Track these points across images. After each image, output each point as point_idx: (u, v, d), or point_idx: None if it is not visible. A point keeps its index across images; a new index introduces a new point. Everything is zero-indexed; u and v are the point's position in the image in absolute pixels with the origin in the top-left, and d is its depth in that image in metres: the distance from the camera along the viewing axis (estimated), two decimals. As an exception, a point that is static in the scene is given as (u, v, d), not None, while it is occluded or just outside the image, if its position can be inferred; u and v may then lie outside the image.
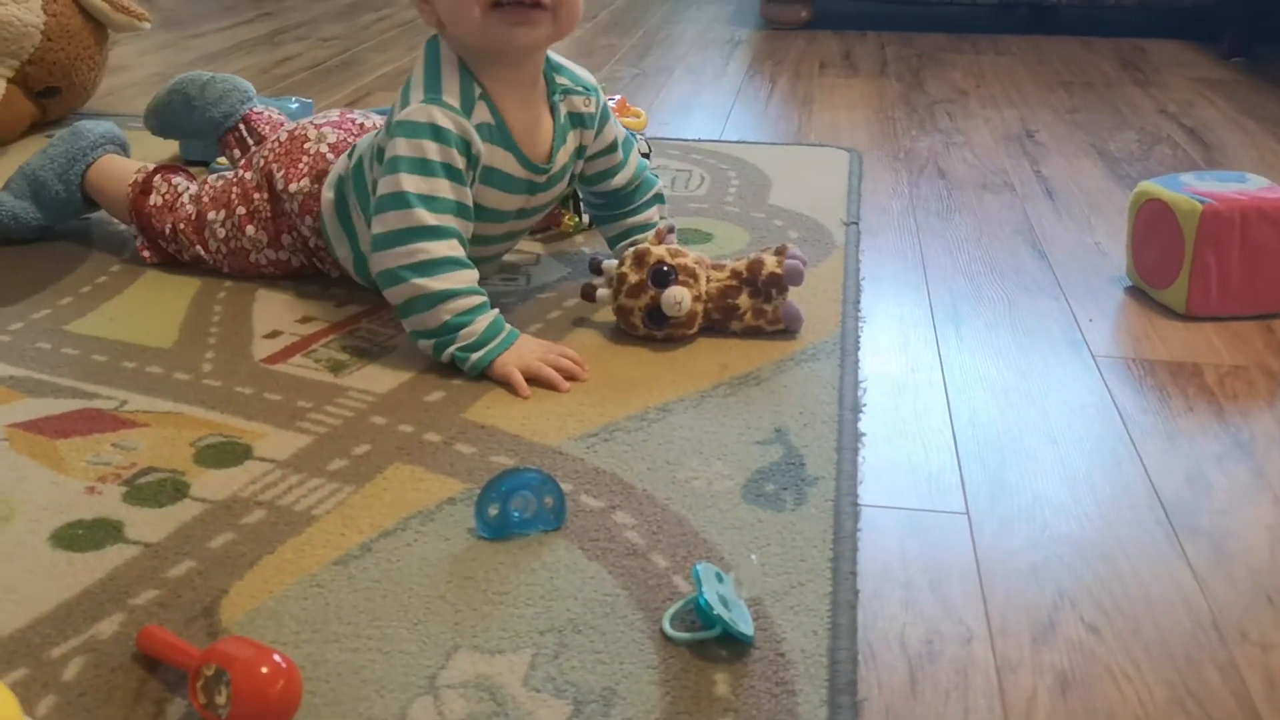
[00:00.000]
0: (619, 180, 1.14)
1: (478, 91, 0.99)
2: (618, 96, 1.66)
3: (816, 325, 1.06)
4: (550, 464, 0.84)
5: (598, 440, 0.88)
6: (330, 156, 1.12)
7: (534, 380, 0.96)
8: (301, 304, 1.12)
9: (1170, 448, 0.89)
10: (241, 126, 1.32)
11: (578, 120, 1.08)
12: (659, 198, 1.18)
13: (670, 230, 1.12)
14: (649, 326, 1.02)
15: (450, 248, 0.96)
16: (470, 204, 0.98)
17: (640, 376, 0.98)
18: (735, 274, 1.03)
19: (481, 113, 0.99)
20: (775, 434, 0.89)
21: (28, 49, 1.61)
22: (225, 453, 0.86)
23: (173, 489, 0.81)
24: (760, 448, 0.87)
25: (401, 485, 0.82)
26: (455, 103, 0.98)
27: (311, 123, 1.17)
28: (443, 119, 0.96)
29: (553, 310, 1.11)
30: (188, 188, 1.19)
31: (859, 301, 1.14)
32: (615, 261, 1.05)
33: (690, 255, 1.03)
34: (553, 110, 1.05)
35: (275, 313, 1.10)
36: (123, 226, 1.26)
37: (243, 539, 0.76)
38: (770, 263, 1.03)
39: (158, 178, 1.20)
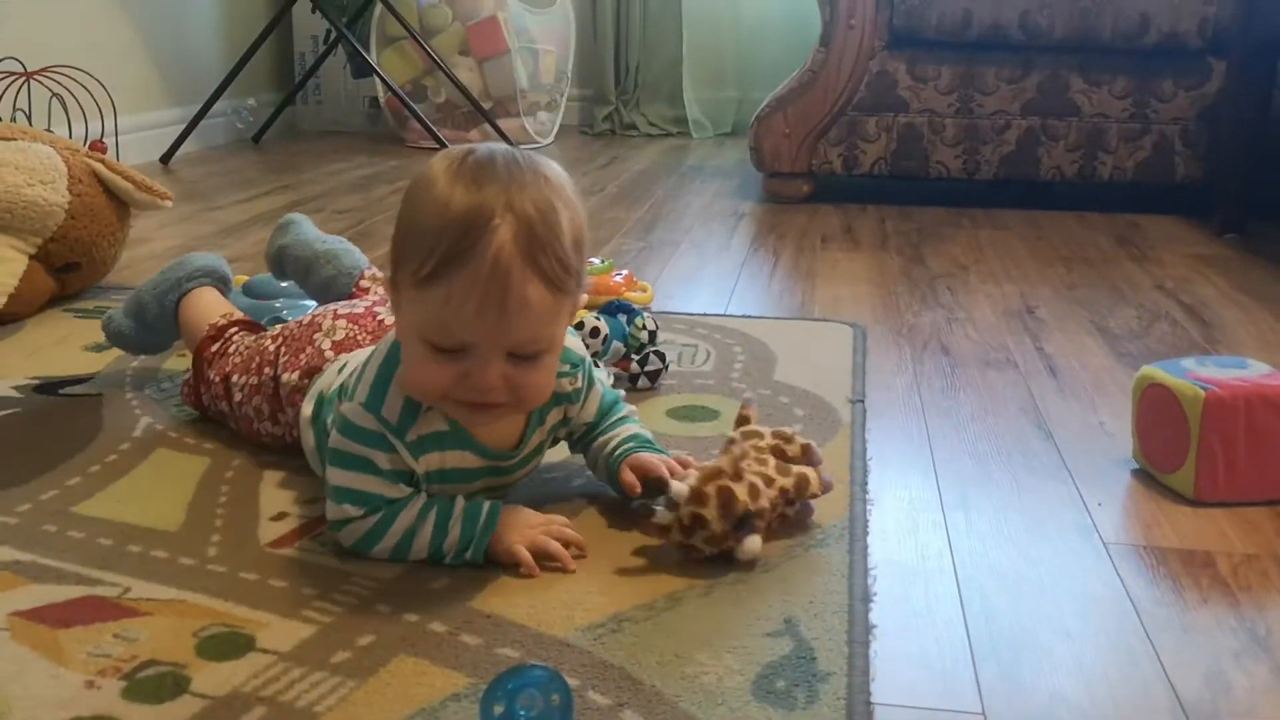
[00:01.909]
0: (591, 419, 1.09)
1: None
2: (625, 271, 1.69)
3: (825, 508, 1.06)
4: (558, 656, 0.83)
5: (605, 631, 0.87)
6: (329, 355, 1.10)
7: (542, 556, 0.94)
8: (309, 483, 1.12)
9: (1187, 643, 0.87)
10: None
11: (558, 399, 1.01)
12: (621, 409, 1.10)
13: (749, 404, 1.08)
14: (709, 559, 0.97)
15: (377, 515, 0.95)
16: (405, 490, 0.96)
17: (648, 562, 0.97)
18: (783, 492, 1.00)
19: (431, 423, 0.94)
20: (785, 625, 0.88)
21: (51, 227, 1.66)
22: (228, 644, 0.84)
23: (173, 684, 0.79)
24: (770, 640, 0.86)
25: (405, 680, 0.80)
26: (393, 419, 0.93)
27: (334, 311, 1.16)
28: (373, 428, 0.93)
29: (557, 490, 1.10)
30: (243, 339, 1.23)
31: (866, 483, 1.14)
32: (685, 490, 0.94)
33: (756, 470, 0.98)
34: None
35: (283, 493, 1.10)
36: (133, 402, 1.28)
37: (242, 738, 0.74)
38: (814, 481, 1.02)
39: (232, 329, 1.24)
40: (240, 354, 1.20)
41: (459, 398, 0.90)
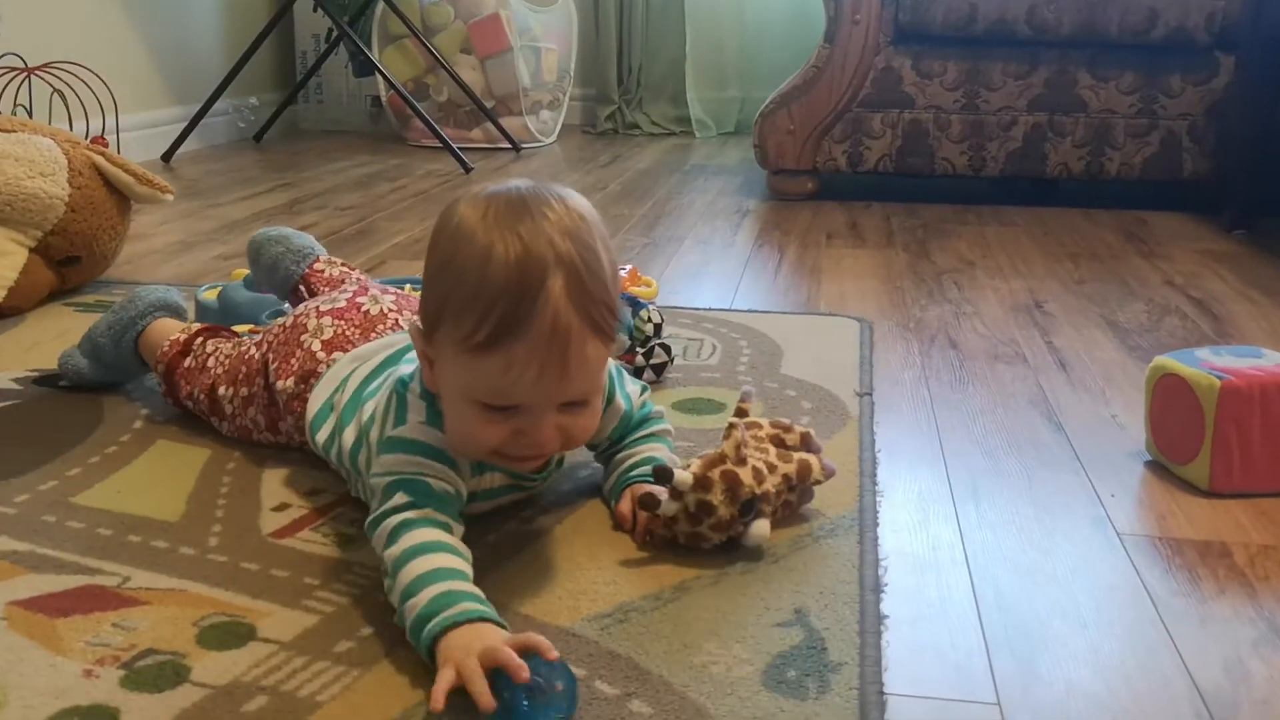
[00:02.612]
0: (609, 435, 1.06)
1: None
2: (629, 266, 1.68)
3: (834, 499, 1.05)
4: (564, 646, 0.81)
5: (612, 621, 0.85)
6: (320, 355, 1.07)
7: (462, 685, 0.72)
8: (311, 475, 1.10)
9: (1205, 633, 0.86)
10: (302, 287, 1.31)
11: None
12: (652, 424, 1.07)
13: (747, 397, 1.03)
14: (717, 548, 0.95)
15: (426, 533, 0.84)
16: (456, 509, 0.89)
17: (655, 553, 0.96)
18: (786, 478, 0.99)
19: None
20: (795, 615, 0.86)
21: (51, 220, 1.65)
22: (228, 633, 0.83)
23: (173, 673, 0.78)
24: (780, 630, 0.84)
25: (409, 670, 0.79)
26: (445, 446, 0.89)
27: (316, 309, 1.12)
28: (436, 442, 0.89)
29: (565, 483, 1.09)
30: (219, 349, 1.20)
31: (875, 475, 1.13)
32: (689, 477, 0.93)
33: (758, 458, 0.97)
34: None
35: (284, 485, 1.09)
36: (147, 382, 1.29)
37: (243, 728, 0.72)
38: (816, 467, 1.01)
39: (198, 340, 1.21)
40: (221, 364, 1.17)
41: (512, 454, 0.87)
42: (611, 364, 1.00)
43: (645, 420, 1.07)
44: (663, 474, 0.94)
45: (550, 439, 0.86)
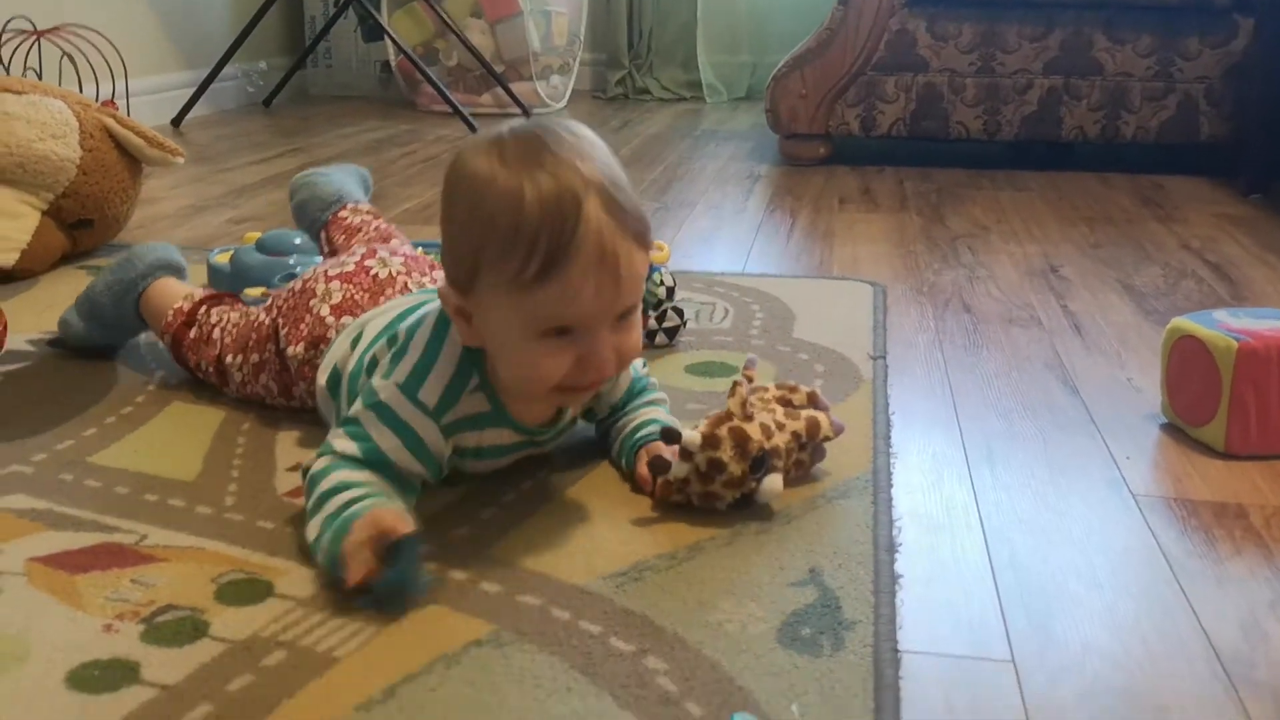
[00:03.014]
0: (618, 400, 1.06)
1: (474, 384, 0.91)
2: (642, 230, 1.67)
3: (847, 461, 1.05)
4: (579, 603, 0.82)
5: (627, 580, 0.85)
6: (330, 320, 1.06)
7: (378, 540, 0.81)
8: (324, 436, 1.10)
9: (1221, 594, 0.86)
10: (323, 234, 1.32)
11: None
12: (649, 394, 1.08)
13: (751, 364, 1.03)
14: (732, 507, 0.95)
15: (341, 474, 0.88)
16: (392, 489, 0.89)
17: (669, 513, 0.96)
18: (795, 435, 0.98)
19: (472, 405, 0.92)
20: (809, 574, 0.87)
21: (63, 183, 1.65)
22: (246, 589, 0.84)
23: (192, 628, 0.79)
24: (794, 589, 0.85)
25: (426, 625, 0.79)
26: (431, 403, 0.90)
27: (324, 273, 1.11)
28: (410, 419, 0.89)
29: (577, 442, 1.09)
30: (224, 318, 1.19)
31: (889, 437, 1.12)
32: (697, 436, 0.93)
33: (767, 416, 0.97)
34: None
35: (299, 445, 1.09)
36: (147, 356, 1.27)
37: (263, 681, 0.73)
38: (824, 424, 1.01)
39: (202, 309, 1.21)
40: (229, 333, 1.17)
41: (574, 384, 0.88)
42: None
43: (643, 390, 1.08)
44: (670, 434, 0.94)
45: (609, 359, 0.87)
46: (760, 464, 0.94)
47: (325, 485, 0.87)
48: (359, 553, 0.80)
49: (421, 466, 0.91)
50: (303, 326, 1.08)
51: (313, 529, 0.85)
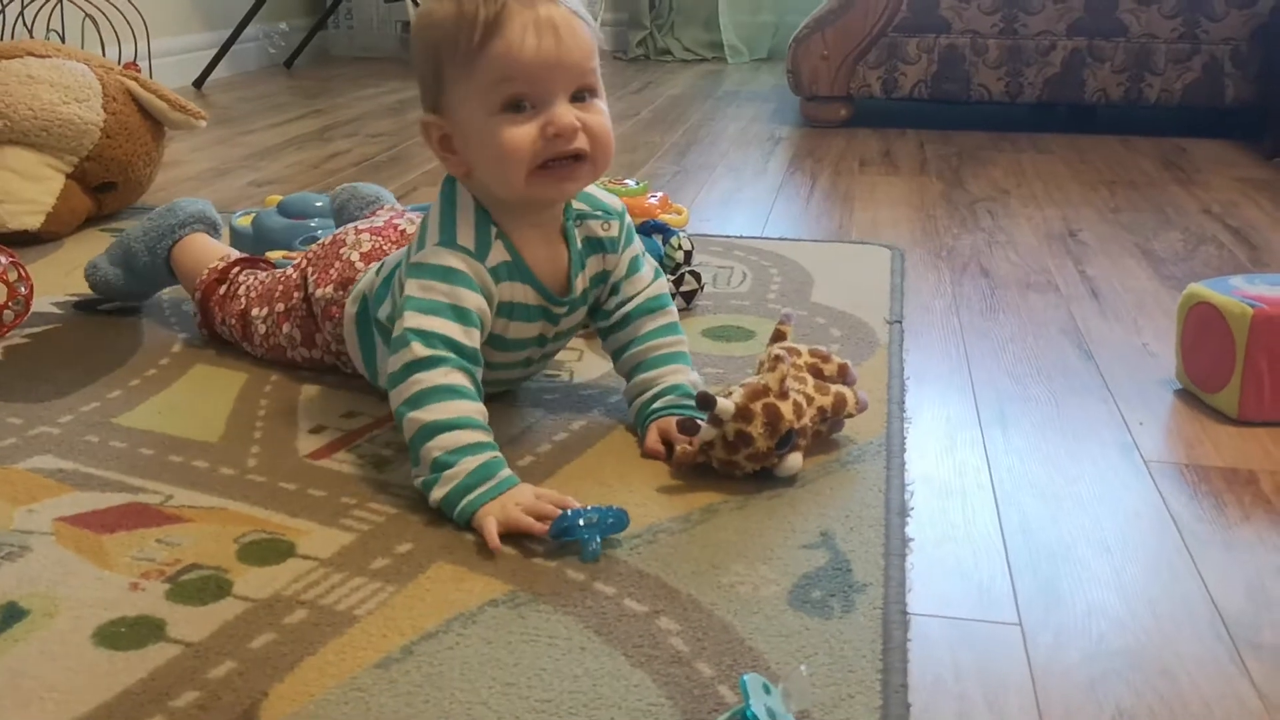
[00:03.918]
0: (638, 300, 1.08)
1: (494, 232, 0.97)
2: (660, 194, 1.68)
3: (861, 425, 1.05)
4: (593, 565, 0.83)
5: (641, 542, 0.87)
6: (360, 265, 1.11)
7: (513, 530, 0.86)
8: (347, 398, 1.12)
9: (1229, 559, 0.86)
10: None
11: (596, 245, 1.04)
12: (677, 333, 1.08)
13: (788, 319, 1.06)
14: (748, 476, 0.96)
15: (444, 375, 0.91)
16: (477, 346, 0.94)
17: (683, 477, 0.97)
18: (821, 410, 0.99)
19: (499, 253, 0.97)
20: (821, 538, 0.88)
21: (87, 146, 1.66)
22: (268, 550, 0.86)
23: (216, 587, 0.81)
24: (806, 552, 0.86)
25: (444, 585, 0.81)
26: (470, 246, 0.96)
27: (354, 227, 1.17)
28: (455, 262, 0.95)
29: (594, 407, 1.11)
30: (253, 276, 1.23)
31: (904, 401, 1.13)
32: (731, 406, 0.93)
33: (798, 391, 0.97)
34: (567, 236, 1.02)
35: (320, 407, 1.11)
36: (184, 307, 1.31)
37: (284, 639, 0.75)
38: (850, 400, 1.01)
39: (234, 270, 1.24)
40: (255, 289, 1.20)
41: (548, 154, 0.93)
42: (623, 207, 1.07)
43: (660, 309, 1.08)
44: (705, 400, 0.94)
45: (573, 123, 0.92)
46: (786, 441, 0.94)
47: (441, 412, 0.90)
48: (519, 521, 0.86)
49: (480, 308, 0.95)
50: (332, 271, 1.13)
51: (434, 449, 0.89)
